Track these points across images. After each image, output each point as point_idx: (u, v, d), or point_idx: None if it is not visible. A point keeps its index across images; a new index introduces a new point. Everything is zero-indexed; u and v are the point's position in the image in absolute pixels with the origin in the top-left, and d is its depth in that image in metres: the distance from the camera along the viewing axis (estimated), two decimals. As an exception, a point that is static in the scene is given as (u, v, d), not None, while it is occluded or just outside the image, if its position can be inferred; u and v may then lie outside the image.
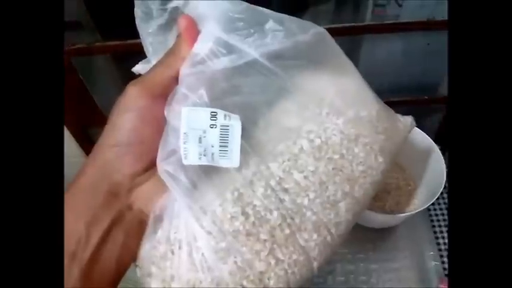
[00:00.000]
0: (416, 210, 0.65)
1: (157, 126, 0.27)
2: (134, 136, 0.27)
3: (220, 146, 0.26)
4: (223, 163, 0.26)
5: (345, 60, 0.32)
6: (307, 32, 0.29)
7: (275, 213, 0.27)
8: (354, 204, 0.30)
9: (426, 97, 0.82)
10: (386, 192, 0.73)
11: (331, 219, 0.29)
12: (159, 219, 0.27)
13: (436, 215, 0.77)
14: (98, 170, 0.27)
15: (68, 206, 0.26)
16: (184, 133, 0.25)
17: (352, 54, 0.86)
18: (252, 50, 0.27)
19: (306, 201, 0.27)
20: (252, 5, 0.28)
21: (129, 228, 0.27)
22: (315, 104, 0.30)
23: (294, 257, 0.27)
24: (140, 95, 0.27)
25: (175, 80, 0.27)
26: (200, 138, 0.26)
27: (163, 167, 0.26)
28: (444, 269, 0.70)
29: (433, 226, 0.76)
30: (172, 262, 0.26)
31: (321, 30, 0.30)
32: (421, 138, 0.71)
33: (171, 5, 0.29)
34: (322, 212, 0.28)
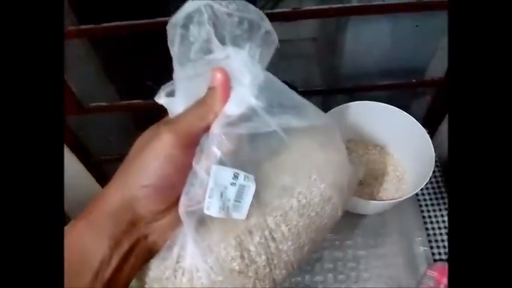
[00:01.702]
0: (405, 197, 0.64)
1: (185, 173, 0.31)
2: (164, 181, 0.30)
3: (235, 201, 0.31)
4: (234, 215, 0.32)
5: (339, 141, 0.39)
6: (322, 121, 0.37)
7: (263, 257, 0.33)
8: (314, 245, 0.37)
9: (414, 80, 0.81)
10: (374, 179, 0.72)
11: (297, 258, 0.36)
12: (170, 248, 0.32)
13: (425, 199, 0.76)
14: (124, 202, 0.30)
15: (94, 227, 0.29)
16: (211, 188, 0.30)
17: (338, 36, 0.84)
18: (274, 122, 0.32)
19: (285, 247, 0.34)
20: (280, 82, 0.33)
21: (140, 254, 0.31)
22: (307, 168, 0.36)
23: (267, 286, 0.34)
24: (175, 144, 0.29)
25: (205, 130, 0.31)
26: (222, 194, 0.30)
27: (185, 211, 0.30)
28: (433, 254, 0.70)
29: (422, 211, 0.75)
30: (174, 284, 0.31)
31: (332, 123, 0.39)
32: (409, 123, 0.70)
33: (210, 56, 0.32)
34: (293, 254, 0.35)
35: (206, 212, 0.30)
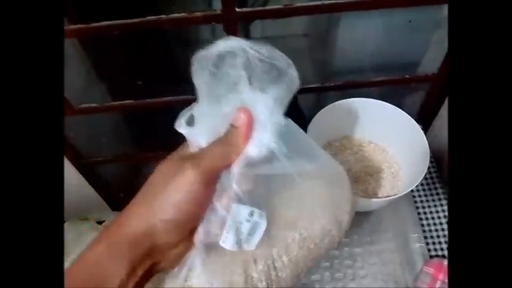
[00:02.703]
0: (400, 194, 0.64)
1: (205, 207, 0.32)
2: (185, 216, 0.31)
3: (248, 235, 0.34)
4: (245, 247, 0.34)
5: (346, 179, 0.42)
6: (333, 169, 0.41)
7: (264, 283, 0.35)
8: (307, 271, 0.40)
9: (407, 76, 0.80)
10: (369, 176, 0.72)
11: (294, 282, 0.38)
12: (180, 269, 0.34)
13: (420, 196, 0.76)
14: (145, 231, 0.31)
15: (114, 252, 0.31)
16: (229, 225, 0.33)
17: (330, 32, 0.83)
18: (291, 166, 0.34)
19: (284, 275, 0.37)
20: (299, 128, 0.36)
21: (150, 276, 0.33)
22: (312, 204, 0.38)
23: None
24: (198, 181, 0.31)
25: (226, 167, 0.33)
26: (237, 228, 0.33)
27: (201, 242, 0.33)
28: (429, 250, 0.70)
29: (417, 208, 0.75)
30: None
31: (342, 170, 0.42)
32: (403, 119, 0.69)
33: (237, 96, 0.34)
34: (290, 280, 0.37)
35: (222, 244, 0.33)
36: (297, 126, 0.36)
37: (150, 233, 0.31)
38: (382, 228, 0.72)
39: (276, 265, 0.36)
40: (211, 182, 0.32)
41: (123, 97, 0.78)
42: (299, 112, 0.73)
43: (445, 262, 0.67)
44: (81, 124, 0.91)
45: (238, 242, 0.34)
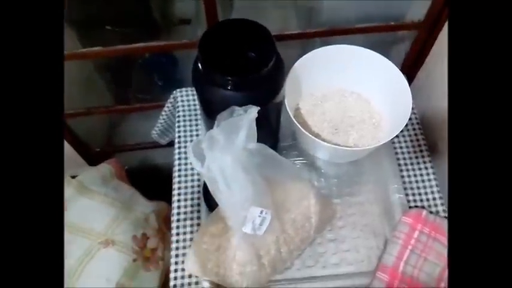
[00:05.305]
0: (380, 143, 0.62)
1: None
2: None
3: (259, 225, 0.54)
4: (257, 233, 0.55)
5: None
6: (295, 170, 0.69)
7: (274, 246, 0.59)
8: (300, 244, 0.63)
9: (393, 23, 0.77)
10: (350, 126, 0.70)
11: (291, 257, 0.62)
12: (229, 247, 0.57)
13: (401, 147, 0.75)
14: None
15: None
16: (248, 219, 0.53)
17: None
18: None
19: (285, 248, 0.60)
20: (267, 149, 0.55)
21: None
22: (301, 200, 0.61)
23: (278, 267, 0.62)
24: None
25: None
26: (253, 221, 0.54)
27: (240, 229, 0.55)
28: (408, 201, 0.69)
29: (398, 159, 0.73)
30: (226, 258, 0.57)
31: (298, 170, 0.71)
32: (386, 67, 0.66)
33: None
34: (292, 245, 0.61)
35: (244, 230, 0.54)
36: (267, 148, 0.54)
37: None
38: (362, 180, 0.71)
39: (282, 237, 0.59)
40: None
41: (94, 44, 0.74)
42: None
43: (424, 212, 0.66)
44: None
45: (254, 229, 0.54)
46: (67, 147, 1.00)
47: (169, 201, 0.89)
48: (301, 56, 0.66)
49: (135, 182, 0.98)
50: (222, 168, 0.49)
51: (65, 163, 1.07)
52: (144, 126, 0.99)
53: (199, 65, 0.54)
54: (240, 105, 0.51)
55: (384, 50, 0.74)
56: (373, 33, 0.78)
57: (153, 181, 1.00)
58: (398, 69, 0.66)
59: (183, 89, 0.81)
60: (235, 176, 0.49)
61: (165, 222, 0.89)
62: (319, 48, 0.67)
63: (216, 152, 0.48)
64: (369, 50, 0.67)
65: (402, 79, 0.65)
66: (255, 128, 0.49)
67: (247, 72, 0.53)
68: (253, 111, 0.48)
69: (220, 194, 0.50)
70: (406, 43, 0.86)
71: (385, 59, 0.67)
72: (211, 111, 0.57)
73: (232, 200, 0.50)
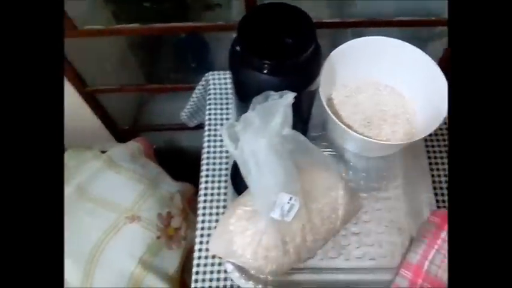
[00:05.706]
0: (414, 139, 0.61)
1: None
2: None
3: (287, 211, 0.53)
4: (285, 219, 0.54)
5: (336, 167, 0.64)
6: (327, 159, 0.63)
7: (299, 238, 0.58)
8: (325, 234, 0.61)
9: (433, 18, 0.75)
10: (383, 120, 0.69)
11: (315, 247, 0.61)
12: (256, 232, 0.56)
13: (433, 146, 0.73)
14: None
15: None
16: (277, 204, 0.53)
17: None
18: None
19: (311, 236, 0.58)
20: (301, 136, 0.55)
21: None
22: (328, 191, 0.60)
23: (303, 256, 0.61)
24: None
25: None
26: (282, 207, 0.53)
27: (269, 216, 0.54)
28: (437, 201, 0.68)
29: (429, 157, 0.72)
30: (252, 241, 0.56)
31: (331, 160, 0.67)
32: (424, 62, 0.65)
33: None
34: (319, 234, 0.60)
35: (272, 215, 0.53)
36: (300, 135, 0.54)
37: None
38: (390, 175, 0.70)
39: (308, 225, 0.57)
40: None
41: (129, 22, 0.74)
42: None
43: (452, 213, 0.65)
44: (86, 50, 0.88)
45: (282, 215, 0.53)
46: (97, 122, 1.02)
47: (194, 183, 0.90)
48: (330, 47, 0.65)
49: (161, 162, 0.99)
50: (255, 151, 0.49)
51: (95, 137, 1.09)
52: (171, 107, 0.99)
53: (237, 47, 0.54)
54: (275, 90, 0.51)
55: (422, 42, 0.72)
56: (408, 28, 0.76)
57: (178, 162, 1.01)
58: (436, 65, 0.64)
59: (215, 72, 0.81)
60: (267, 160, 0.49)
61: (188, 203, 0.90)
62: (355, 40, 0.66)
63: (251, 134, 0.48)
64: (406, 43, 0.66)
65: (441, 77, 0.63)
66: (291, 114, 0.49)
67: (284, 57, 0.52)
68: (289, 96, 0.48)
69: (251, 177, 0.50)
70: (444, 40, 0.84)
71: (423, 53, 0.65)
72: (245, 95, 0.57)
73: (263, 184, 0.50)
